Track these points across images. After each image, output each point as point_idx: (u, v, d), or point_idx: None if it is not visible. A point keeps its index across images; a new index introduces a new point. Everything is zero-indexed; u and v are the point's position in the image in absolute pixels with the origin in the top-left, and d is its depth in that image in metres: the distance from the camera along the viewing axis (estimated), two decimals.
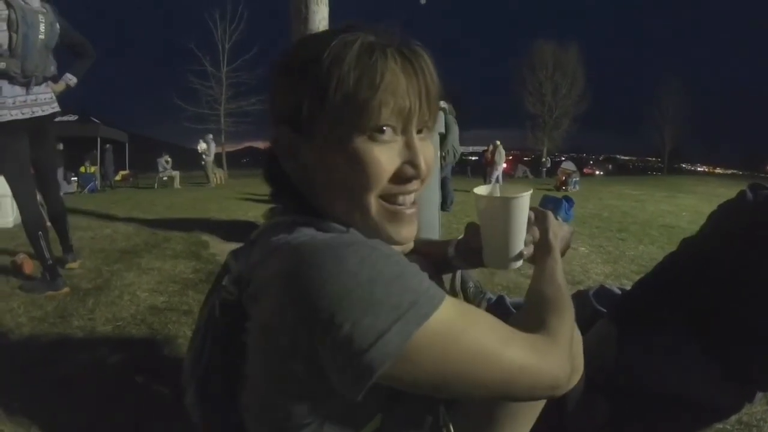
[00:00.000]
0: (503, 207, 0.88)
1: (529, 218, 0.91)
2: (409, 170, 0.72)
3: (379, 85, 0.66)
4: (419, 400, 0.79)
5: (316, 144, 0.71)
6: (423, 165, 0.73)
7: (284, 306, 0.61)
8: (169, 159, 19.25)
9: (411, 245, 1.25)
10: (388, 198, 0.73)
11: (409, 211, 0.75)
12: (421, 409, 0.87)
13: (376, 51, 0.68)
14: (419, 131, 0.74)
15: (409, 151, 0.72)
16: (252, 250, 0.75)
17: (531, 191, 0.90)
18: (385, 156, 0.70)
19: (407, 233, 0.77)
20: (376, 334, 0.57)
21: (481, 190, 0.94)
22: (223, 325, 0.76)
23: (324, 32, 0.73)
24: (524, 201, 0.88)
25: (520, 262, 0.94)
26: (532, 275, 0.92)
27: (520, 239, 0.91)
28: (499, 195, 0.94)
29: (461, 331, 0.63)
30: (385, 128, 0.69)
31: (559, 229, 0.97)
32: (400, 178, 0.72)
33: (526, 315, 0.83)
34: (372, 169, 0.69)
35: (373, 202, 0.72)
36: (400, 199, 0.74)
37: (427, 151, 0.75)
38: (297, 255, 0.63)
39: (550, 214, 0.96)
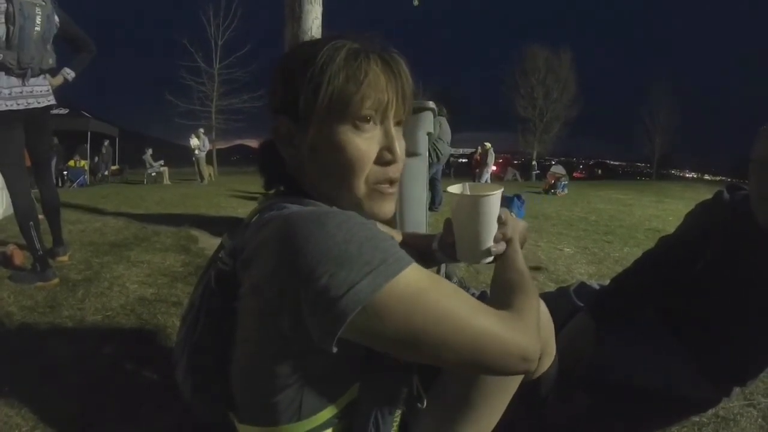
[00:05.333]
0: (472, 205, 0.93)
1: (500, 216, 0.96)
2: (387, 155, 0.83)
3: (362, 81, 0.78)
4: (395, 371, 0.86)
5: (309, 132, 0.81)
6: (398, 150, 0.83)
7: (272, 265, 0.69)
8: (151, 152, 19.13)
9: (399, 238, 1.32)
10: (374, 180, 0.83)
11: (390, 190, 0.86)
12: (398, 380, 0.91)
13: (361, 54, 0.80)
14: (397, 124, 0.86)
15: (386, 139, 0.83)
16: (247, 228, 0.82)
17: (502, 189, 0.95)
18: (365, 144, 0.80)
19: (388, 210, 0.87)
20: (348, 284, 0.64)
21: (454, 188, 0.99)
22: (217, 293, 0.82)
23: (318, 39, 0.84)
24: (493, 200, 0.93)
25: (490, 258, 0.98)
26: (495, 266, 0.98)
27: (490, 236, 0.95)
28: (469, 193, 0.98)
29: (428, 292, 0.69)
30: (368, 117, 0.79)
31: (516, 224, 1.03)
32: (380, 162, 0.83)
33: (494, 298, 0.89)
34: (354, 156, 0.80)
35: (362, 185, 0.82)
36: (384, 180, 0.84)
37: (402, 143, 0.86)
38: (284, 222, 0.71)
39: (506, 210, 1.02)
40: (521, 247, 1.02)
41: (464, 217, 0.96)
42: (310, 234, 0.67)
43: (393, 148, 0.83)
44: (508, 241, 0.99)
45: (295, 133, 0.83)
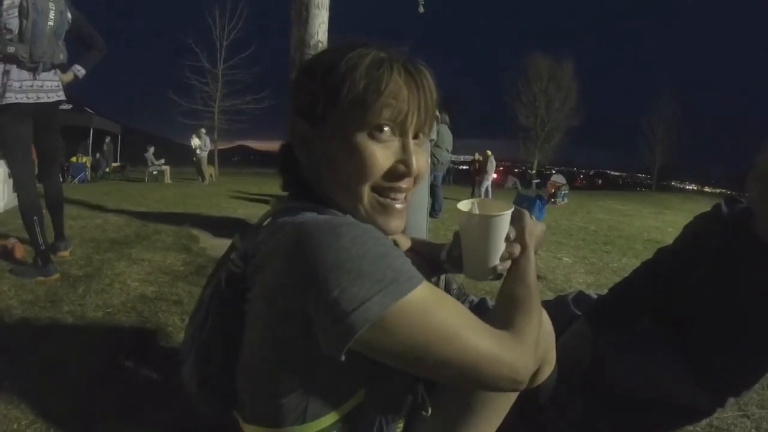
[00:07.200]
0: (481, 224, 0.92)
1: (508, 235, 0.94)
2: (401, 168, 0.81)
3: (383, 90, 0.77)
4: (400, 378, 0.86)
5: (324, 137, 0.81)
6: (414, 165, 0.82)
7: (284, 272, 0.70)
8: (153, 151, 19.11)
9: (408, 244, 1.33)
10: (380, 192, 0.82)
11: (399, 206, 0.84)
12: (402, 388, 0.93)
13: (385, 64, 0.79)
14: (416, 137, 0.84)
15: (404, 152, 0.81)
16: (259, 231, 0.82)
17: (512, 209, 0.94)
18: (380, 153, 0.79)
19: (396, 225, 0.85)
20: (359, 301, 0.65)
21: (463, 205, 0.97)
22: (227, 294, 0.83)
23: (344, 45, 0.83)
24: (503, 220, 0.91)
25: (496, 276, 0.97)
26: (506, 273, 0.96)
27: (497, 255, 0.94)
28: (478, 211, 0.96)
29: (433, 311, 0.70)
30: (384, 128, 0.79)
31: (534, 228, 0.99)
32: (392, 174, 0.81)
33: (497, 313, 0.88)
34: (367, 162, 0.79)
35: (366, 193, 0.81)
36: (392, 194, 0.83)
37: (420, 156, 0.84)
38: (299, 230, 0.71)
39: (526, 213, 1.00)
40: (535, 252, 0.99)
41: (472, 235, 0.95)
42: (324, 245, 0.67)
43: (409, 162, 0.81)
44: (524, 247, 0.95)
45: (310, 136, 0.83)
